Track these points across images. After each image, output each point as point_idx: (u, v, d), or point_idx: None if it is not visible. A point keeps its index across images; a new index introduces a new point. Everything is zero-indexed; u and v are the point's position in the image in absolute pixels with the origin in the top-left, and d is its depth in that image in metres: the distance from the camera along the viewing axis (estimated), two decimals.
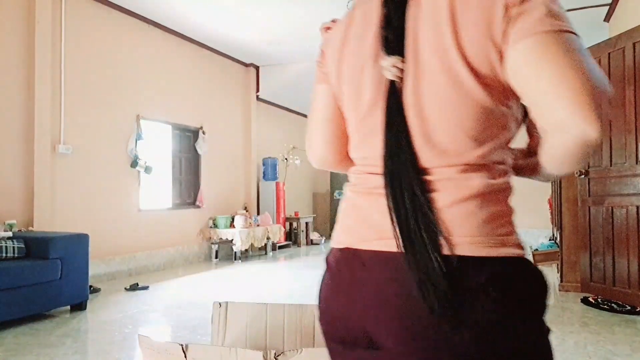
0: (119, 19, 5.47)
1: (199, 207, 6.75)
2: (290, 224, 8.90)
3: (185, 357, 1.14)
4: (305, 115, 10.23)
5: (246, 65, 7.87)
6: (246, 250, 7.29)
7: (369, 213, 0.75)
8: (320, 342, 1.36)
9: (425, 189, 0.68)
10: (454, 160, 0.69)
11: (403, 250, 0.66)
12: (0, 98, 4.26)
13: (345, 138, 0.88)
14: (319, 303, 0.83)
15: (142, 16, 5.76)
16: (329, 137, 0.89)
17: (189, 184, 6.81)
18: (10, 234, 3.72)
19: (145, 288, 4.76)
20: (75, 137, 4.90)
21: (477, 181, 0.68)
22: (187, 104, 6.60)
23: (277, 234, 7.56)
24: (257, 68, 8.02)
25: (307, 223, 9.21)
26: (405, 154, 0.70)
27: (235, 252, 6.73)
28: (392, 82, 0.71)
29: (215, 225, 6.87)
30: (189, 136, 6.80)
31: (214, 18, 5.92)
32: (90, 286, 4.22)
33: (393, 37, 0.71)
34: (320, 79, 0.88)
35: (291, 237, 8.87)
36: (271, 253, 7.60)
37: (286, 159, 8.85)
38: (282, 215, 8.21)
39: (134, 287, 4.71)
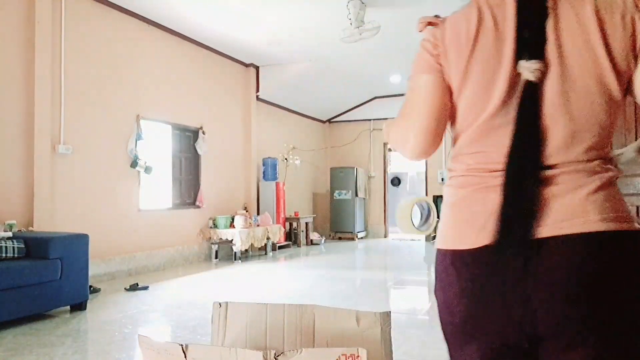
0: (118, 19, 5.47)
1: (199, 207, 6.75)
2: (290, 224, 8.89)
3: (185, 357, 1.14)
4: (305, 116, 10.22)
5: (246, 65, 7.87)
6: (246, 250, 7.29)
7: (495, 209, 0.82)
8: (320, 342, 1.36)
9: (543, 184, 0.80)
10: (597, 155, 0.83)
11: (496, 239, 0.80)
12: (0, 98, 4.26)
13: (444, 129, 0.94)
14: (451, 306, 0.88)
15: (142, 16, 5.76)
16: (434, 128, 0.92)
17: (189, 184, 6.81)
18: (10, 234, 3.72)
19: (145, 288, 4.76)
20: (75, 137, 4.90)
21: (611, 172, 0.83)
22: (187, 104, 6.60)
23: (277, 234, 7.56)
24: (257, 68, 8.02)
25: (307, 223, 9.21)
26: (532, 150, 0.81)
27: (235, 252, 6.73)
28: (528, 84, 0.80)
29: (215, 225, 6.87)
30: (189, 136, 6.80)
31: (214, 18, 5.92)
32: (90, 286, 4.21)
33: (534, 43, 0.81)
34: (428, 70, 0.91)
35: (291, 237, 8.87)
36: (271, 253, 7.60)
37: (286, 159, 8.84)
38: (282, 215, 8.21)
39: (134, 287, 4.71)
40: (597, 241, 0.78)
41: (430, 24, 0.93)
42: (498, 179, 0.83)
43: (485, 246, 0.82)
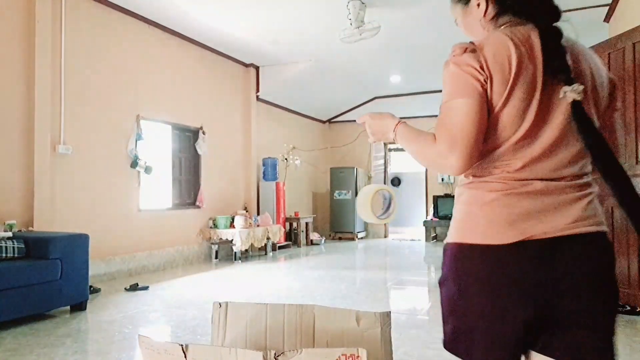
0: (119, 19, 5.47)
1: (199, 207, 6.75)
2: (290, 224, 8.89)
3: (185, 357, 1.14)
4: (305, 116, 10.22)
5: (246, 65, 7.87)
6: (246, 250, 7.29)
7: (536, 209, 0.98)
8: (320, 342, 1.36)
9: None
10: None
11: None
12: (0, 98, 4.26)
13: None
14: (477, 292, 1.01)
15: (142, 16, 5.76)
16: (479, 147, 1.01)
17: (189, 184, 6.81)
18: (10, 234, 3.72)
19: (145, 288, 4.76)
20: (75, 137, 4.90)
21: None
22: (187, 104, 6.60)
23: (277, 234, 7.56)
24: (257, 68, 8.02)
25: (307, 223, 9.21)
26: (609, 153, 0.98)
27: (235, 252, 6.73)
28: (575, 103, 0.98)
29: (215, 225, 6.87)
30: (189, 136, 6.80)
31: (214, 18, 5.92)
32: (90, 286, 4.21)
33: (566, 71, 1.00)
34: (474, 93, 0.99)
35: (291, 237, 8.87)
36: (271, 253, 7.60)
37: (286, 159, 8.84)
38: (282, 215, 8.21)
39: (134, 287, 4.71)
40: (604, 239, 1.01)
41: (466, 49, 1.02)
42: (524, 188, 1.00)
43: (520, 241, 0.97)
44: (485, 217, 1.01)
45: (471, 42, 1.04)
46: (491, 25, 1.13)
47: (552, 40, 1.02)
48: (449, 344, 1.09)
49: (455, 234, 1.07)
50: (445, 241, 1.15)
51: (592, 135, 0.98)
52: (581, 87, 0.98)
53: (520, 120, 0.99)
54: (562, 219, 0.98)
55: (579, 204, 1.00)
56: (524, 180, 1.00)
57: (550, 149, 1.00)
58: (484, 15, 1.13)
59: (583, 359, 0.99)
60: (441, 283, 1.12)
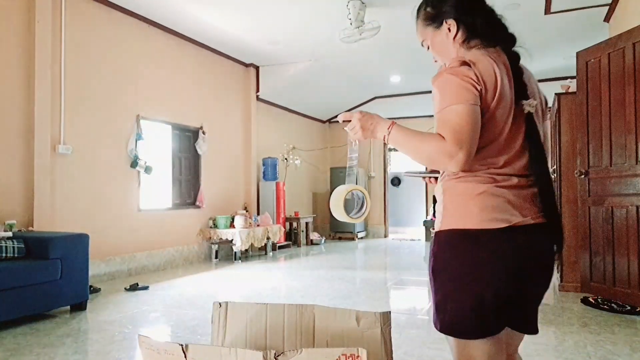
0: (119, 19, 5.47)
1: (199, 207, 6.75)
2: (290, 224, 8.89)
3: (185, 357, 1.14)
4: (305, 116, 10.22)
5: (246, 65, 7.87)
6: (246, 250, 7.28)
7: (516, 200, 1.17)
8: (320, 342, 1.36)
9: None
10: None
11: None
12: (0, 98, 4.26)
13: None
14: (491, 271, 1.15)
15: (142, 16, 5.76)
16: (476, 144, 1.15)
17: (189, 184, 6.81)
18: (10, 234, 3.72)
19: (145, 288, 4.76)
20: (75, 137, 4.90)
21: None
22: (187, 104, 6.60)
23: (277, 234, 7.56)
24: (257, 68, 8.02)
25: (307, 223, 9.20)
26: (545, 159, 1.21)
27: (235, 252, 6.73)
28: (529, 115, 1.20)
29: (215, 225, 6.87)
30: (189, 136, 6.80)
31: (214, 18, 5.92)
32: (90, 286, 4.21)
33: (526, 89, 1.22)
34: (475, 100, 1.14)
35: (291, 237, 8.87)
36: (271, 253, 7.60)
37: (286, 159, 8.84)
38: (282, 215, 8.21)
39: (134, 287, 4.71)
40: (559, 225, 1.24)
41: (462, 63, 1.16)
42: (507, 182, 1.18)
43: (508, 227, 1.14)
44: (478, 206, 1.16)
45: (462, 57, 1.18)
46: (463, 47, 1.28)
47: (514, 62, 1.22)
48: (448, 326, 1.25)
49: (448, 222, 1.20)
50: (435, 229, 1.25)
51: (536, 141, 1.20)
52: (535, 102, 1.20)
53: (503, 125, 1.17)
54: (533, 209, 1.18)
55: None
56: (505, 175, 1.18)
57: (519, 151, 1.19)
58: (454, 38, 1.28)
59: (528, 332, 1.26)
60: (435, 270, 1.24)
